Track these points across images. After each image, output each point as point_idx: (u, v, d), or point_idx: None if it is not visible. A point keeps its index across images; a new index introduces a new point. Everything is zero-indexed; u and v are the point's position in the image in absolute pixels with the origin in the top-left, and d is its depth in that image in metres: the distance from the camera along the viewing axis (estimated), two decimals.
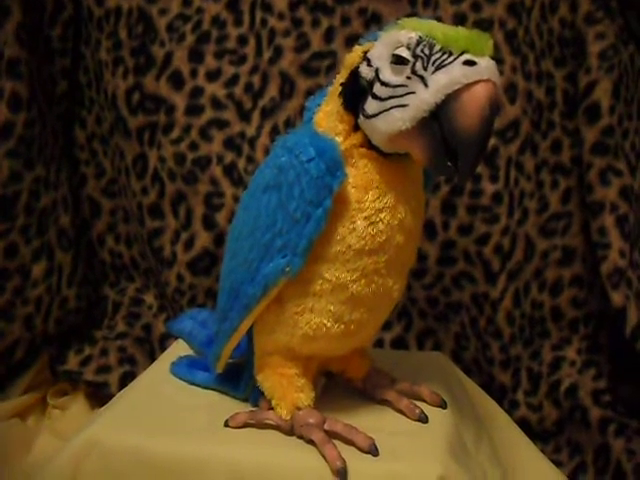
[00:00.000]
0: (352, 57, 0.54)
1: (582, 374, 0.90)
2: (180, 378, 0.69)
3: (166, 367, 0.71)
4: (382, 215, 0.52)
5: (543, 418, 0.89)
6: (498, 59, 0.84)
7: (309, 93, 0.88)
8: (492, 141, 0.85)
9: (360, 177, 0.53)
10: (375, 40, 0.52)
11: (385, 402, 0.62)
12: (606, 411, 0.86)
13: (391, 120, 0.49)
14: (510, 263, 0.88)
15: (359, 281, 0.54)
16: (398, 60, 0.49)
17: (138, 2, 0.92)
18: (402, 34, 0.49)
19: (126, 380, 0.90)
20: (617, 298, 0.83)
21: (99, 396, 0.93)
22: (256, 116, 0.90)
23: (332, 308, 0.54)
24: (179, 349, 0.75)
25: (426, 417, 0.60)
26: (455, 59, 0.46)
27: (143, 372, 0.73)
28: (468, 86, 0.46)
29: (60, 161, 0.97)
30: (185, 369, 0.69)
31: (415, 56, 0.48)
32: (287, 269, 0.52)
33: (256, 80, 0.91)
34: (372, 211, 0.52)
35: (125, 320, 1.01)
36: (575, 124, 0.89)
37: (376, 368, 0.65)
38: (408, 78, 0.48)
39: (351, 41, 0.87)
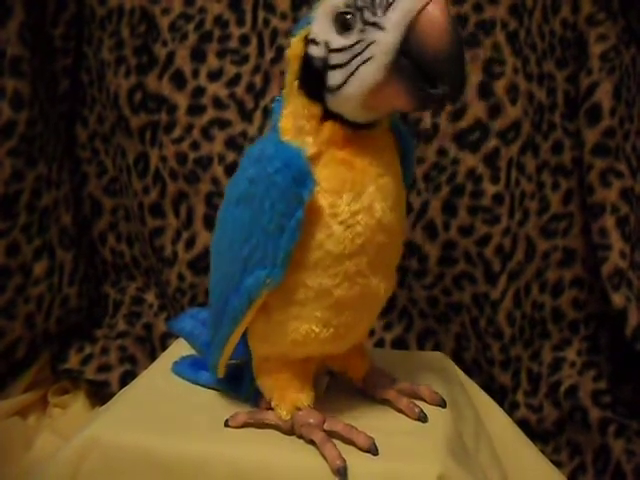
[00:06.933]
0: (294, 48, 0.52)
1: (582, 375, 0.90)
2: (182, 377, 0.69)
3: (167, 366, 0.71)
4: (359, 217, 0.51)
5: (543, 419, 0.89)
6: (500, 60, 0.85)
7: None
8: (493, 142, 0.85)
9: (333, 180, 0.51)
10: (309, 24, 0.51)
11: (385, 401, 0.62)
12: (606, 412, 0.86)
13: (362, 78, 0.48)
14: (511, 264, 0.88)
15: (342, 285, 0.53)
16: (343, 21, 0.48)
17: (140, 1, 0.92)
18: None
19: (127, 379, 0.91)
20: (618, 299, 0.83)
21: (100, 395, 0.93)
22: (258, 116, 0.91)
23: (318, 314, 0.54)
24: (180, 348, 0.75)
25: (426, 416, 0.60)
26: None
27: (144, 371, 0.73)
28: (421, 11, 0.46)
29: (62, 160, 0.97)
30: (187, 369, 0.69)
31: (358, 9, 0.48)
32: (268, 281, 0.52)
33: (258, 80, 0.91)
34: (348, 214, 0.51)
35: (126, 319, 1.01)
36: (576, 125, 0.89)
37: (376, 368, 0.65)
38: (362, 32, 0.48)
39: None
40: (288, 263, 0.51)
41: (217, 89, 0.91)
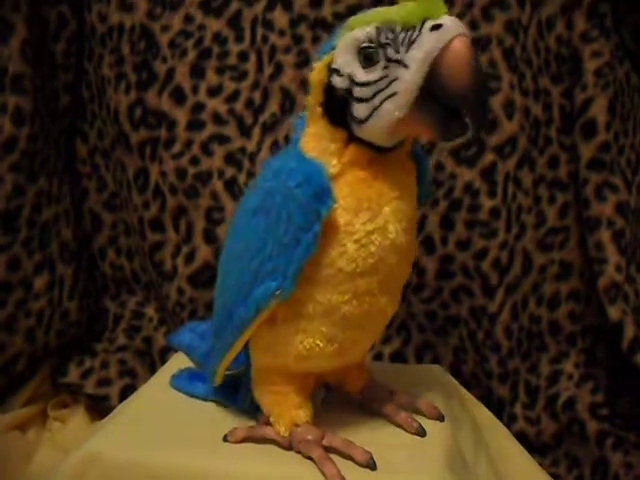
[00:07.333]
0: (317, 75, 0.53)
1: (580, 387, 0.90)
2: (180, 390, 0.69)
3: (166, 380, 0.71)
4: (373, 237, 0.52)
5: (541, 431, 0.90)
6: (496, 76, 0.86)
7: None
8: (490, 157, 0.86)
9: (350, 198, 0.52)
10: (332, 50, 0.52)
11: (383, 415, 0.63)
12: (604, 424, 0.86)
13: (385, 114, 0.49)
14: (508, 277, 0.89)
15: (351, 302, 0.53)
16: (367, 56, 0.49)
17: (141, 19, 0.93)
18: (359, 33, 0.49)
19: (126, 393, 0.91)
20: (614, 312, 0.83)
21: (99, 408, 0.93)
22: (257, 132, 0.91)
23: (325, 329, 0.54)
24: (179, 362, 0.75)
25: (424, 431, 0.60)
26: (421, 30, 0.47)
27: (143, 385, 0.74)
28: (445, 48, 0.46)
29: (62, 175, 0.97)
30: (185, 381, 0.70)
31: (382, 46, 0.48)
32: (277, 292, 0.52)
33: (257, 96, 0.92)
34: (363, 233, 0.51)
35: (126, 333, 1.02)
36: (572, 140, 0.90)
37: (374, 381, 0.65)
38: (385, 68, 0.48)
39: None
40: (299, 277, 0.51)
41: (216, 105, 0.92)
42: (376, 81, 0.49)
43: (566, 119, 0.90)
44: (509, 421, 0.90)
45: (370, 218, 0.52)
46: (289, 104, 0.90)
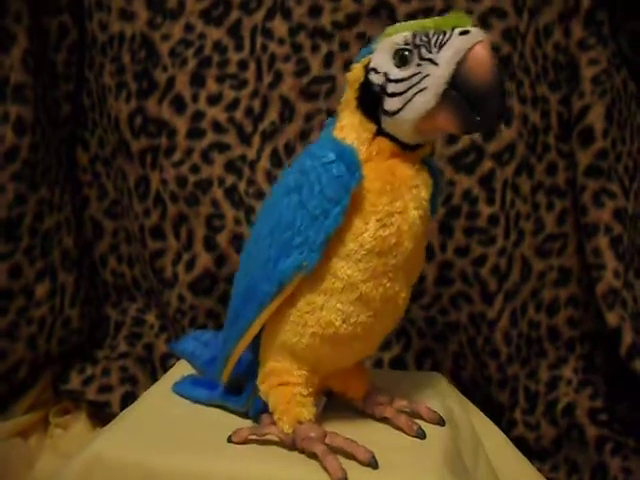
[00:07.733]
0: (355, 74, 0.58)
1: (579, 393, 0.90)
2: (182, 395, 0.70)
3: (168, 387, 0.72)
4: (393, 219, 0.55)
5: (540, 437, 0.90)
6: None
7: (308, 117, 0.90)
8: (488, 164, 0.87)
9: (375, 181, 0.55)
10: (370, 54, 0.57)
11: (384, 419, 0.63)
12: (603, 430, 0.87)
13: (416, 106, 0.53)
14: (507, 284, 0.89)
15: (368, 282, 0.56)
16: (402, 57, 0.54)
17: (141, 28, 0.94)
18: (396, 37, 0.55)
19: (127, 399, 0.91)
20: (612, 318, 0.84)
21: (101, 415, 0.94)
22: (256, 140, 0.92)
23: (341, 307, 0.56)
24: (181, 370, 0.76)
25: (424, 433, 0.61)
26: (451, 35, 0.52)
27: (146, 391, 0.74)
28: (470, 50, 0.51)
29: (64, 183, 0.98)
30: (187, 386, 0.71)
31: (416, 46, 0.54)
32: (304, 264, 0.55)
33: (256, 104, 0.92)
34: (384, 214, 0.55)
35: (127, 340, 1.02)
36: (570, 147, 0.90)
37: (375, 387, 0.66)
38: (418, 65, 0.53)
39: (350, 65, 0.89)
40: (325, 248, 0.55)
41: (216, 113, 0.92)
42: (410, 77, 0.54)
43: (564, 126, 0.91)
44: (508, 427, 0.90)
45: (392, 201, 0.55)
46: (288, 112, 0.91)
